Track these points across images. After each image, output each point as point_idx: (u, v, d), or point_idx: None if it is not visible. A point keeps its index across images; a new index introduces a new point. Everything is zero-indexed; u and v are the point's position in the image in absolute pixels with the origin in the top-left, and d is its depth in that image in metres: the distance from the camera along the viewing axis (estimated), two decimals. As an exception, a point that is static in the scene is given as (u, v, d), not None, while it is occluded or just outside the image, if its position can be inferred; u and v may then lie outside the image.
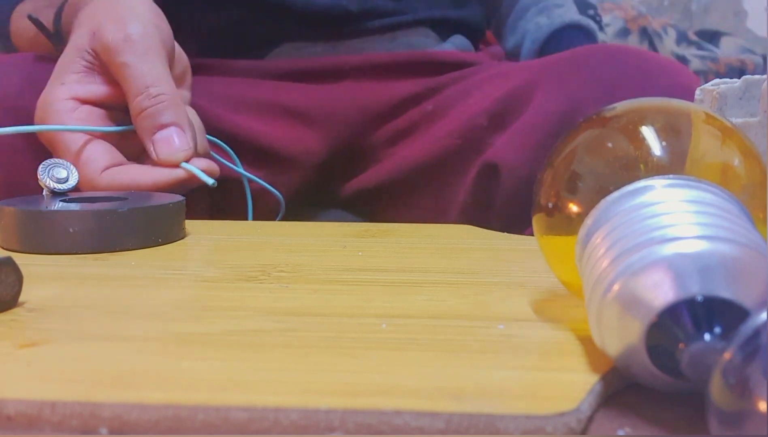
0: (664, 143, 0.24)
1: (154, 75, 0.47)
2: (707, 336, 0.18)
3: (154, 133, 0.47)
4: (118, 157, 0.48)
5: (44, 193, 0.44)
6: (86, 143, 0.47)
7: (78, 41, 0.49)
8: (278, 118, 0.63)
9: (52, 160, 0.45)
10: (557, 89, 0.55)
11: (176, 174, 0.47)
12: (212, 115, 0.60)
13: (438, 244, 0.43)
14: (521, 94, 0.58)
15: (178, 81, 0.51)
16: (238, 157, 0.59)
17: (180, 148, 0.47)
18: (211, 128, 0.58)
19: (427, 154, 0.61)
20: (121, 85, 0.48)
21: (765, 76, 0.33)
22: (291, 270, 0.36)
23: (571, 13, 0.67)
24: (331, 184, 0.66)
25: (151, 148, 0.47)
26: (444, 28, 0.70)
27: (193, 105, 0.57)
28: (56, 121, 0.47)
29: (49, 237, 0.40)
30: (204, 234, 0.45)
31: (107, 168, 0.47)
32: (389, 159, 0.64)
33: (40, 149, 0.49)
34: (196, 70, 0.65)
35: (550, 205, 0.26)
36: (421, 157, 0.62)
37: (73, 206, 0.41)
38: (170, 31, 0.51)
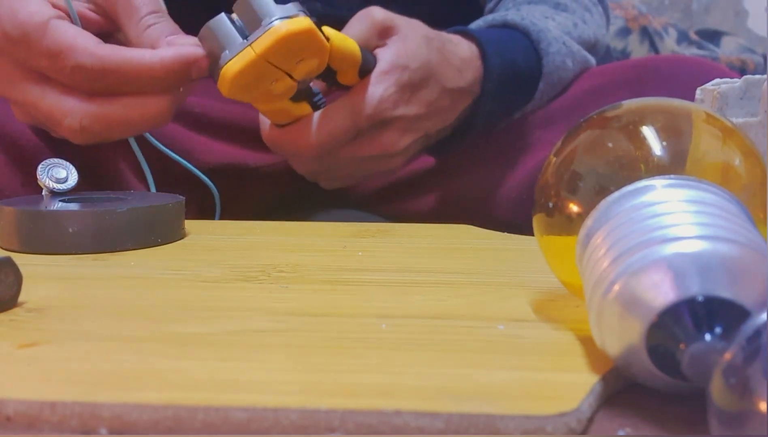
0: (664, 143, 0.24)
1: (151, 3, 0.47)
2: (708, 337, 0.18)
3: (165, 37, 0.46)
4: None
5: (44, 192, 0.44)
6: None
7: None
8: None
9: (52, 160, 0.45)
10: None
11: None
12: (213, 108, 0.60)
13: (438, 244, 0.43)
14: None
15: None
16: (241, 146, 0.59)
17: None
18: (214, 120, 0.58)
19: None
20: (113, 11, 0.47)
21: (765, 76, 0.33)
22: (291, 270, 0.36)
23: (525, 13, 0.66)
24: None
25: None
26: None
27: (201, 105, 0.58)
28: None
29: (48, 237, 0.40)
30: (204, 234, 0.45)
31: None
32: None
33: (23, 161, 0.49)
34: None
35: (551, 205, 0.26)
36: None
37: (73, 206, 0.41)
38: None
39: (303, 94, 0.49)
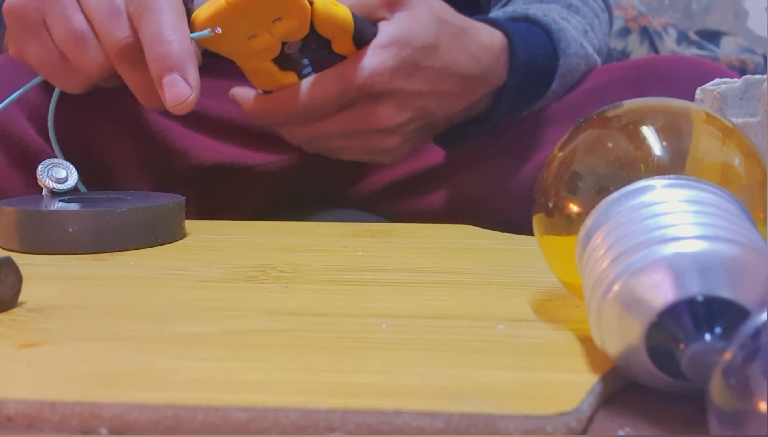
0: (664, 143, 0.24)
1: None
2: (707, 336, 0.18)
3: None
4: None
5: (44, 192, 0.44)
6: None
7: None
8: None
9: (51, 160, 0.45)
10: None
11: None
12: (212, 107, 0.60)
13: (438, 244, 0.43)
14: None
15: None
16: (240, 145, 0.59)
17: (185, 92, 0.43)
18: (213, 118, 0.59)
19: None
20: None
21: (765, 76, 0.33)
22: (291, 270, 0.36)
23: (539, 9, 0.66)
24: (342, 182, 0.66)
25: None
26: None
27: (201, 104, 0.58)
28: None
29: (48, 238, 0.40)
30: (204, 234, 0.45)
31: None
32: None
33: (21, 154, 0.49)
34: (203, 70, 0.65)
35: (550, 204, 0.26)
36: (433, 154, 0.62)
37: (73, 206, 0.41)
38: None
39: (290, 63, 0.48)
